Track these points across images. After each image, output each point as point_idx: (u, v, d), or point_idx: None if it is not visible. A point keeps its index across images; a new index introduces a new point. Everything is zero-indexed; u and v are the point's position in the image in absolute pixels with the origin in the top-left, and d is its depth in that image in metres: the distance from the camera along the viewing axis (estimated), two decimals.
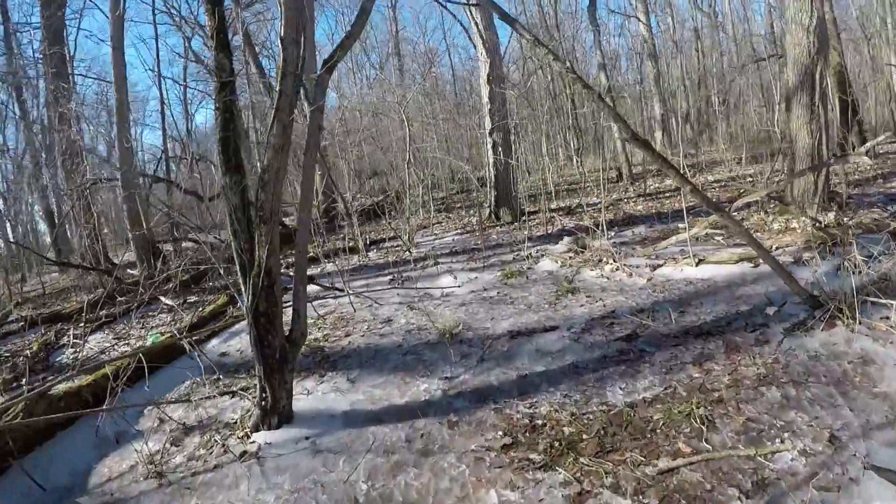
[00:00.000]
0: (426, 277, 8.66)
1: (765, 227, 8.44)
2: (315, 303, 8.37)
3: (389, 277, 9.05)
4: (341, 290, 8.26)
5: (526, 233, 9.92)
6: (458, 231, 12.64)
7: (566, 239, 8.92)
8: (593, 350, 4.99)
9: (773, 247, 6.97)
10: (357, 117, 19.27)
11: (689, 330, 5.16)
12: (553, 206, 14.04)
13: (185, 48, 25.94)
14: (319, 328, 7.05)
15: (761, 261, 6.70)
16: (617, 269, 7.15)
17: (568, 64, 5.31)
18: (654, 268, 7.04)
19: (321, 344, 6.38)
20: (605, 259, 7.55)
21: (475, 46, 13.20)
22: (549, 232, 10.54)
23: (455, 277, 8.22)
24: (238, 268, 4.33)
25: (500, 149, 12.11)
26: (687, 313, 5.57)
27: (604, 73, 16.46)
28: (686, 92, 28.30)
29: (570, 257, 7.98)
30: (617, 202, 13.01)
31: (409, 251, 10.91)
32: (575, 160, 23.71)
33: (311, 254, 11.35)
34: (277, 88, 4.32)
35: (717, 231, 8.18)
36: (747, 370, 4.33)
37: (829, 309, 4.86)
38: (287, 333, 4.42)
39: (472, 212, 15.36)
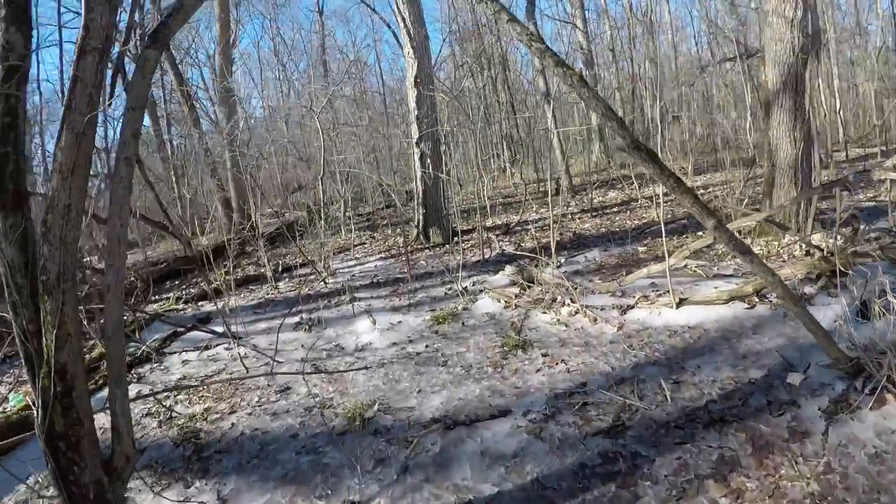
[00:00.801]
0: (339, 320, 7.00)
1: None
2: (205, 354, 6.66)
3: (297, 320, 7.35)
4: (235, 336, 6.57)
5: (459, 258, 8.36)
6: (383, 254, 11.00)
7: (508, 268, 7.41)
8: (564, 453, 3.45)
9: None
10: (282, 127, 17.50)
11: (694, 414, 3.70)
12: (489, 223, 12.58)
13: None
14: (202, 398, 5.35)
15: (756, 300, 5.36)
16: (576, 313, 5.65)
17: (533, 31, 3.97)
18: (624, 310, 5.59)
19: (198, 426, 4.75)
20: (559, 298, 6.05)
21: (402, 46, 11.64)
22: (487, 258, 9.02)
23: (374, 322, 6.58)
24: (24, 361, 2.65)
25: (428, 160, 10.57)
26: (683, 384, 4.11)
27: (542, 78, 15.17)
28: (623, 101, 27.57)
29: (516, 295, 6.44)
30: (560, 219, 11.64)
31: (325, 282, 9.22)
32: (509, 171, 22.49)
33: (214, 284, 9.55)
34: (71, 72, 2.68)
35: (694, 259, 6.81)
36: (792, 487, 2.91)
37: (872, 376, 3.54)
38: (106, 460, 2.75)
39: (398, 230, 13.76)
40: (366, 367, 5.28)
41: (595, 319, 5.44)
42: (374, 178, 12.78)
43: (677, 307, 5.42)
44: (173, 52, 21.61)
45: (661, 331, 5.08)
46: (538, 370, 4.60)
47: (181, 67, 20.31)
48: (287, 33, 30.67)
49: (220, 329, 7.09)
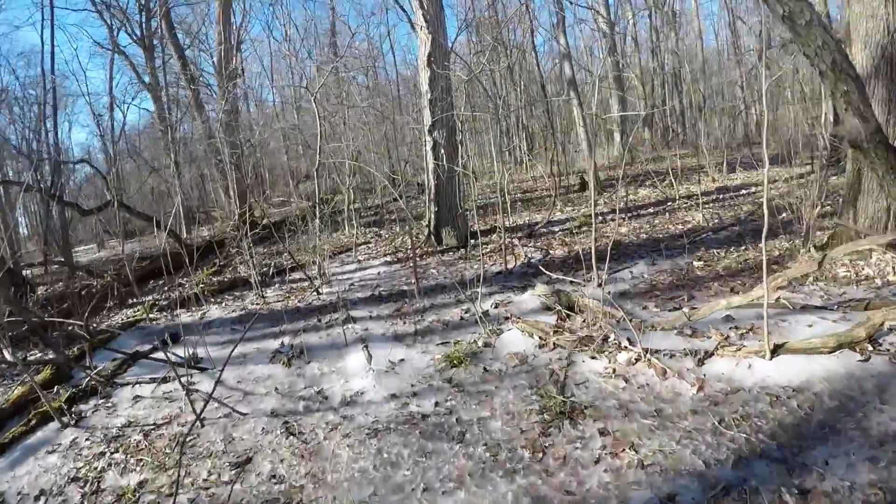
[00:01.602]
0: (328, 351, 5.63)
1: (824, 275, 5.74)
2: (161, 389, 5.39)
3: (277, 345, 6.02)
4: (190, 366, 5.26)
5: (479, 271, 6.97)
6: (389, 257, 9.62)
7: (539, 287, 6.03)
8: None
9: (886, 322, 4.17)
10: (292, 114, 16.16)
11: None
12: (509, 222, 11.17)
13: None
14: (139, 463, 4.06)
15: (870, 348, 3.96)
16: (638, 360, 4.25)
17: None
18: (701, 359, 4.16)
19: None
20: (611, 336, 4.65)
21: (412, 24, 10.22)
22: (510, 268, 7.60)
23: (370, 358, 5.20)
24: None
25: (442, 151, 9.17)
26: (812, 495, 2.73)
27: (568, 64, 13.70)
28: (646, 92, 26.04)
29: (553, 328, 5.02)
30: (588, 220, 10.22)
31: (318, 292, 7.86)
32: (527, 164, 21.05)
33: (196, 289, 8.25)
34: None
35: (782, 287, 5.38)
36: None
37: None
38: None
39: (407, 227, 12.39)
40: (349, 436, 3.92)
41: (664, 371, 4.04)
42: (375, 169, 11.30)
43: (771, 356, 4.01)
44: (179, 36, 20.43)
45: (758, 395, 3.67)
46: (597, 460, 3.20)
47: (190, 53, 18.99)
48: (299, 20, 28.99)
49: (182, 350, 5.79)
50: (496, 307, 5.99)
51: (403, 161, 17.51)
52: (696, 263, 6.81)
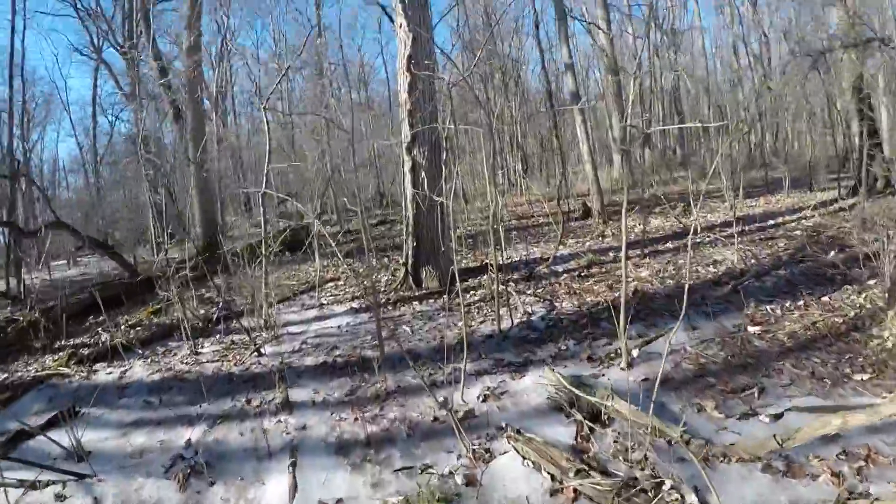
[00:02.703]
0: (242, 464, 3.92)
1: None
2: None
3: (183, 444, 4.32)
4: None
5: (459, 329, 5.29)
6: (357, 302, 7.91)
7: (547, 373, 4.35)
8: None
9: None
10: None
11: None
12: (503, 257, 9.50)
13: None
14: None
15: None
16: None
17: None
18: None
19: None
20: (665, 479, 2.96)
21: (392, 20, 8.60)
22: (505, 329, 5.87)
23: (294, 488, 3.49)
24: None
25: (422, 173, 7.52)
26: None
27: (571, 75, 12.12)
28: (648, 111, 24.58)
29: (569, 456, 3.32)
30: (598, 258, 8.54)
31: (259, 351, 6.16)
32: (521, 186, 19.47)
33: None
34: None
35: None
36: None
37: None
38: None
39: (385, 260, 10.69)
40: None
41: None
42: (358, 189, 9.61)
43: None
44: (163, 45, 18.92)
45: None
46: None
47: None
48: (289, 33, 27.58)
49: (70, 437, 4.11)
50: (485, 400, 4.29)
51: (391, 181, 15.89)
52: (750, 329, 5.15)
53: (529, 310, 6.33)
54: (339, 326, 6.85)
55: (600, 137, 23.87)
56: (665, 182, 18.19)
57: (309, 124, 16.88)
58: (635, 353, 4.67)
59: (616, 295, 6.55)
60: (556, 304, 6.50)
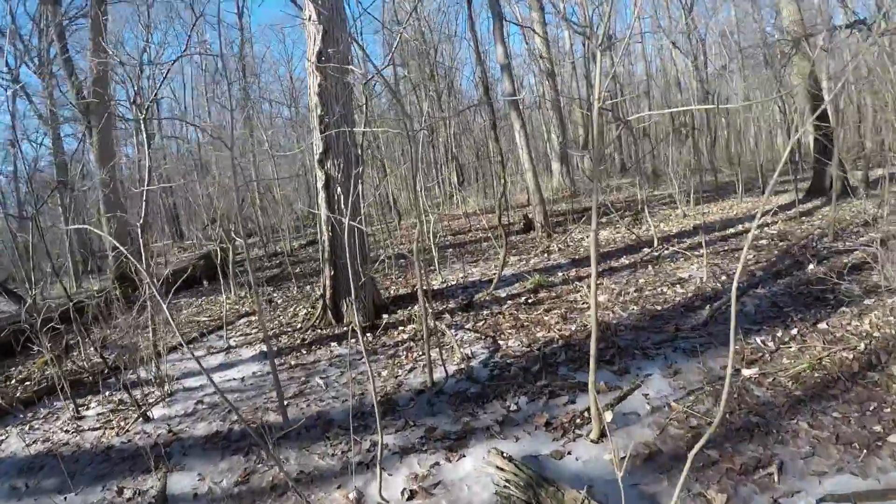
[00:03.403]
0: None
1: None
2: None
3: None
4: None
5: (388, 373, 4.14)
6: (275, 335, 6.66)
7: (493, 457, 3.20)
8: None
9: None
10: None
11: None
12: (438, 282, 8.35)
13: None
14: None
15: None
16: None
17: None
18: None
19: None
20: None
21: (301, 8, 7.38)
22: (438, 383, 4.66)
23: None
24: None
25: (337, 189, 6.32)
26: None
27: (508, 76, 11.12)
28: (584, 118, 23.92)
29: None
30: (545, 279, 7.48)
31: (146, 416, 4.85)
32: (458, 198, 18.42)
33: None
34: None
35: None
36: None
37: None
38: None
39: (310, 285, 9.41)
40: None
41: None
42: (282, 208, 8.32)
43: None
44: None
45: None
46: None
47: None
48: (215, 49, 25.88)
49: None
50: (411, 497, 3.12)
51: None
52: (745, 372, 4.13)
53: (469, 351, 5.19)
54: (243, 379, 5.58)
55: (536, 147, 23.13)
56: (606, 190, 17.44)
57: (234, 141, 15.49)
58: (608, 415, 3.57)
59: (572, 329, 5.47)
60: (501, 341, 5.38)
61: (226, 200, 13.55)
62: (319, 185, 6.56)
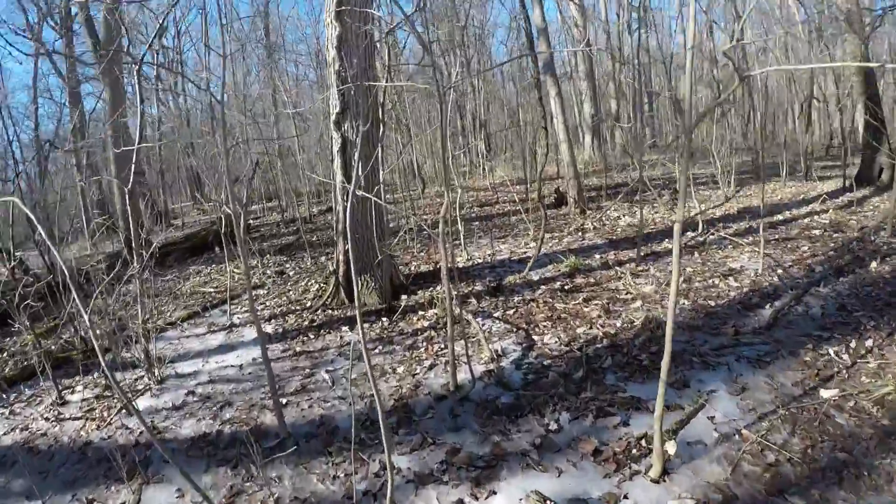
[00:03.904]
0: None
1: None
2: None
3: None
4: None
5: (399, 378, 3.47)
6: (276, 322, 6.05)
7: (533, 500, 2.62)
8: None
9: None
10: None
11: None
12: (463, 260, 7.67)
13: None
14: None
15: None
16: None
17: None
18: None
19: None
20: None
21: None
22: (464, 387, 3.98)
23: None
24: None
25: (355, 156, 5.62)
26: None
27: (545, 40, 10.29)
28: (617, 90, 22.90)
29: None
30: (581, 262, 6.77)
31: (128, 408, 4.25)
32: (484, 169, 17.61)
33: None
34: None
35: None
36: None
37: None
38: None
39: (326, 255, 8.78)
40: None
41: None
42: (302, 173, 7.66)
43: None
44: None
45: None
46: None
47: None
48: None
49: None
50: None
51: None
52: (823, 394, 3.43)
53: (499, 347, 4.51)
54: (241, 367, 4.96)
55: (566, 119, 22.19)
56: (639, 166, 16.53)
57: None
58: (671, 447, 2.89)
59: (617, 325, 4.78)
60: (535, 336, 4.69)
61: (245, 162, 12.97)
62: (335, 148, 5.86)
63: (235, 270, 8.33)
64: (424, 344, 4.78)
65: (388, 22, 6.65)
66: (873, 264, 5.68)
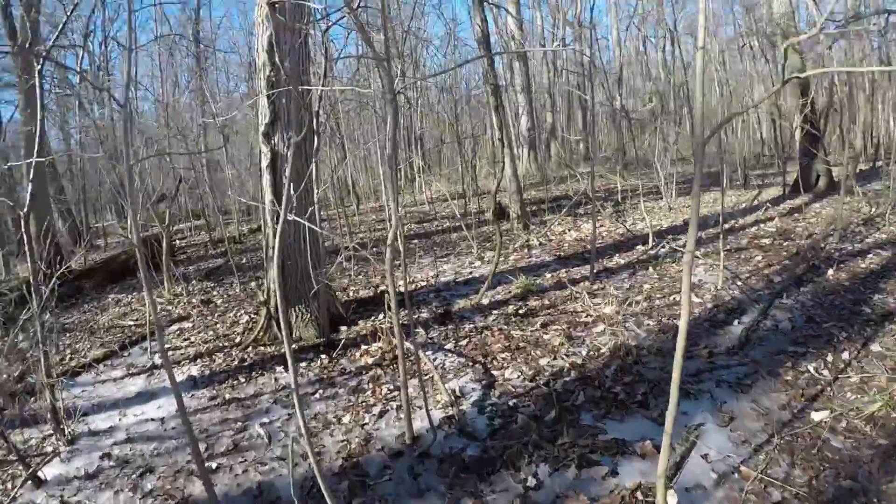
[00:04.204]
0: None
1: None
2: None
3: None
4: None
5: (346, 431, 2.94)
6: (202, 362, 5.36)
7: None
8: None
9: None
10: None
11: None
12: (405, 282, 7.14)
13: None
14: None
15: None
16: None
17: None
18: None
19: None
20: None
21: None
22: (421, 440, 3.45)
23: None
24: None
25: (285, 172, 5.05)
26: None
27: (486, 50, 9.93)
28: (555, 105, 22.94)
29: None
30: (533, 282, 6.36)
31: (37, 477, 3.51)
32: (420, 182, 17.20)
33: None
34: None
35: None
36: None
37: None
38: None
39: (257, 279, 8.09)
40: None
41: None
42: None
43: None
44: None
45: None
46: None
47: None
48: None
49: None
50: None
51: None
52: (814, 416, 3.11)
53: (456, 387, 4.00)
54: (163, 420, 4.28)
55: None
56: (591, 178, 16.42)
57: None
58: (672, 499, 2.47)
59: (583, 353, 4.35)
60: (495, 371, 4.21)
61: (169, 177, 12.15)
62: (263, 164, 5.26)
63: (158, 299, 7.56)
64: (371, 385, 4.23)
65: (324, 14, 6.08)
66: (830, 272, 5.65)
